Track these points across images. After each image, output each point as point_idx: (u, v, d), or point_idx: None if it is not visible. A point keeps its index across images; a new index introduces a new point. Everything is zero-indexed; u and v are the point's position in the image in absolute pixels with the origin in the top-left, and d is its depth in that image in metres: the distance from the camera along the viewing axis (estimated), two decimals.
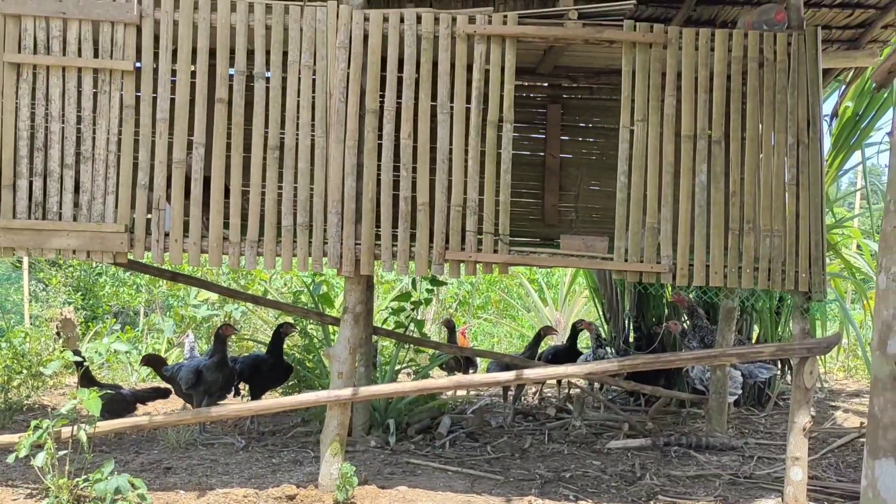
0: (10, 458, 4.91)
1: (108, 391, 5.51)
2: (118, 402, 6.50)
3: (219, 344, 6.83)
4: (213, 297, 11.10)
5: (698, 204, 5.38)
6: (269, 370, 7.24)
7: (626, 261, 5.37)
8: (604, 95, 7.64)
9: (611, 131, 7.10)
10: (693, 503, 5.48)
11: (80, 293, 13.08)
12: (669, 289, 8.77)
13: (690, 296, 8.04)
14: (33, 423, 4.91)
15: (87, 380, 6.45)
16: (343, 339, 5.40)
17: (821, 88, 5.50)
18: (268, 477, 5.70)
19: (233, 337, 8.84)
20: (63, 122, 5.23)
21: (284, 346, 7.60)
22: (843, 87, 7.26)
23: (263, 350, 7.78)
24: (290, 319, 8.63)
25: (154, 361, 7.47)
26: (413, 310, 8.47)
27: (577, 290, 14.65)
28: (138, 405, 6.98)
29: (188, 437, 6.66)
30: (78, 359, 5.15)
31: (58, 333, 10.28)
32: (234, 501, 5.09)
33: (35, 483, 5.18)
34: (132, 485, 4.59)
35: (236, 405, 5.97)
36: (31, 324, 10.83)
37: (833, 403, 8.91)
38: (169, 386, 7.29)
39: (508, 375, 5.80)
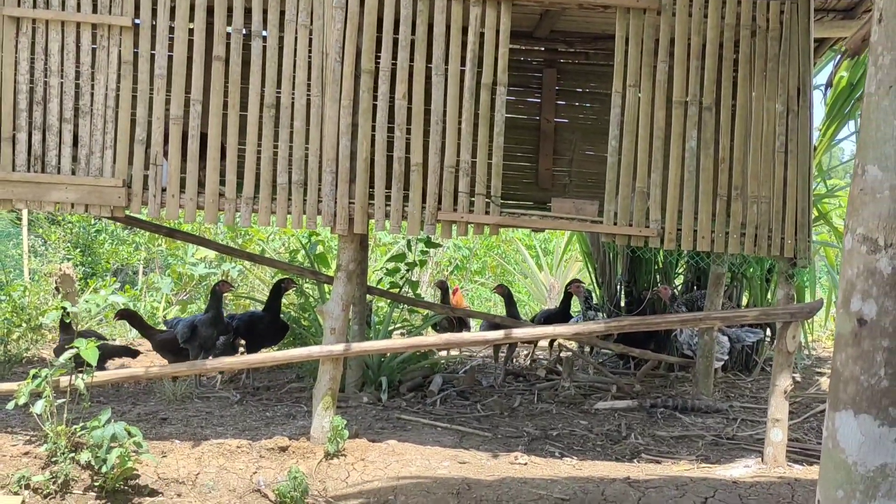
0: (10, 406, 5.04)
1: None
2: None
3: (214, 300, 6.93)
4: (211, 255, 11.20)
5: (688, 169, 5.46)
6: (265, 328, 7.33)
7: (615, 224, 5.46)
8: (600, 61, 7.68)
9: (606, 97, 7.10)
10: (675, 462, 5.63)
11: (79, 250, 13.17)
12: (662, 254, 8.87)
13: (676, 290, 8.18)
14: (32, 371, 5.04)
15: (65, 326, 6.58)
16: (336, 295, 5.50)
17: (812, 57, 5.56)
18: (261, 429, 5.84)
19: (229, 295, 8.95)
20: (62, 77, 5.29)
21: (281, 304, 7.68)
22: (838, 56, 7.27)
23: (261, 308, 7.89)
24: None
25: (129, 316, 7.41)
26: (408, 271, 8.58)
27: (574, 255, 14.76)
28: (107, 360, 7.04)
29: (184, 390, 6.79)
30: (66, 304, 5.24)
31: (56, 289, 10.38)
32: (227, 451, 5.23)
33: (34, 430, 5.31)
34: (128, 432, 4.72)
35: (231, 358, 6.10)
36: (30, 279, 10.93)
37: (819, 370, 9.05)
38: (138, 348, 7.45)
39: (497, 334, 5.92)
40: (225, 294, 7.04)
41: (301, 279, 8.43)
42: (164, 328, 7.67)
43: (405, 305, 8.59)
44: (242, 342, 7.44)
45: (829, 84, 7.67)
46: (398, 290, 8.24)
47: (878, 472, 2.39)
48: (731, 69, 5.50)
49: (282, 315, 7.69)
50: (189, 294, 11.75)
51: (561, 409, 7.03)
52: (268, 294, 7.90)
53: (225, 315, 7.19)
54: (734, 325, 7.75)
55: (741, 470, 5.40)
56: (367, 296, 7.70)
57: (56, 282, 10.38)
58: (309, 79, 5.40)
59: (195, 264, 11.30)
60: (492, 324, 7.93)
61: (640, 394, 7.53)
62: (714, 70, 5.49)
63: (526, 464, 5.42)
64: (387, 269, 9.08)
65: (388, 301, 8.91)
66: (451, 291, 8.84)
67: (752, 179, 5.47)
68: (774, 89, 5.48)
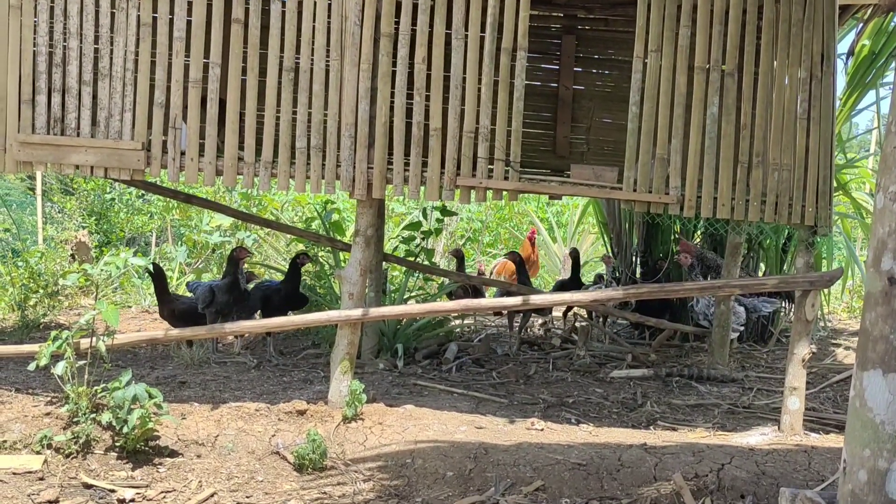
0: (31, 367, 5.07)
1: None
2: None
3: (231, 266, 6.94)
4: (226, 224, 11.21)
5: (708, 136, 5.41)
6: (281, 300, 7.29)
7: (634, 191, 5.42)
8: (619, 27, 7.61)
9: (625, 64, 7.09)
10: (691, 429, 5.64)
11: (94, 218, 13.21)
12: (678, 224, 8.83)
13: (697, 242, 8.11)
14: (53, 333, 5.07)
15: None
16: (354, 261, 5.51)
17: (836, 23, 5.49)
18: (279, 393, 5.88)
19: (246, 262, 8.96)
20: (81, 40, 5.28)
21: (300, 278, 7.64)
22: (861, 25, 7.17)
23: (276, 277, 7.88)
24: (302, 247, 8.75)
25: (158, 273, 7.16)
26: (423, 239, 8.58)
27: (587, 228, 14.71)
28: None
29: (202, 355, 6.83)
30: (87, 267, 5.24)
31: (72, 256, 10.44)
32: (246, 414, 5.27)
33: (55, 391, 5.36)
34: (149, 394, 4.75)
35: (249, 322, 6.11)
36: (45, 245, 10.97)
37: (835, 341, 9.03)
38: None
39: (515, 300, 5.91)
40: (242, 260, 7.03)
41: (317, 247, 8.44)
42: (181, 295, 7.67)
43: (420, 274, 8.59)
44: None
45: (850, 53, 7.60)
46: (414, 258, 8.23)
47: None
48: (754, 34, 5.43)
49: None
50: (203, 263, 11.78)
51: (576, 377, 7.05)
52: (282, 262, 7.91)
53: (249, 285, 7.21)
54: (752, 295, 7.73)
55: (758, 437, 5.40)
56: (384, 263, 7.70)
57: (72, 249, 10.45)
58: (328, 43, 5.37)
59: (210, 233, 11.32)
60: (506, 291, 7.93)
61: (655, 363, 7.53)
62: (737, 35, 5.42)
63: (542, 430, 5.44)
64: (402, 238, 9.08)
65: (404, 270, 8.92)
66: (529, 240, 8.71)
67: (774, 146, 5.42)
68: (798, 55, 5.42)
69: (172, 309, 7.09)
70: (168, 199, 11.69)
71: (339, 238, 8.47)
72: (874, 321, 2.46)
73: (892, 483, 2.40)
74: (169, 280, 10.92)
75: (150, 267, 7.07)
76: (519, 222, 17.19)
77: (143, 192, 13.22)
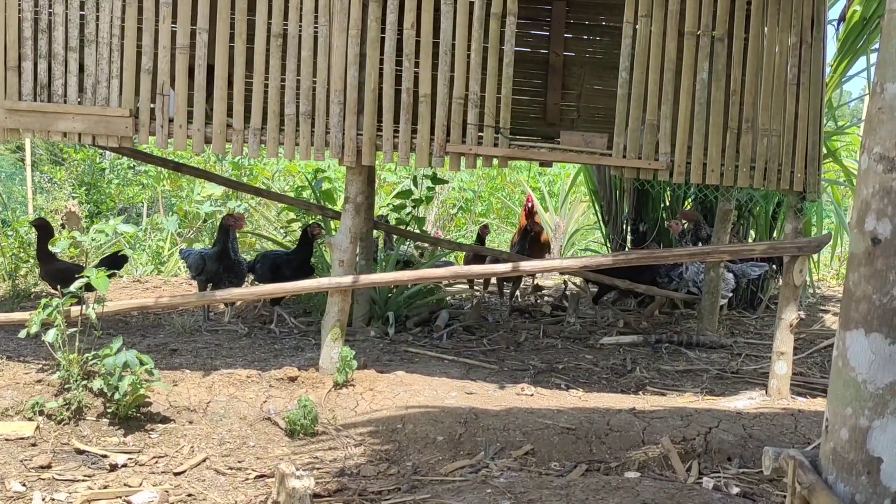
0: (22, 334, 5.08)
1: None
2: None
3: (222, 234, 6.92)
4: (217, 193, 11.19)
5: (698, 102, 5.40)
6: (293, 270, 7.14)
7: (624, 157, 5.42)
8: None
9: (616, 30, 7.04)
10: (679, 394, 5.69)
11: (84, 188, 13.16)
12: (668, 192, 8.84)
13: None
14: (43, 300, 5.07)
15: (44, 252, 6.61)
16: (344, 228, 5.51)
17: None
18: (270, 360, 5.90)
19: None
20: (66, 6, 5.23)
21: (287, 241, 7.63)
22: None
23: (268, 246, 7.86)
24: (293, 215, 8.72)
25: (44, 226, 6.97)
26: (414, 207, 8.58)
27: (579, 197, 14.72)
28: None
29: (193, 323, 6.85)
30: (76, 234, 5.21)
31: (62, 225, 10.41)
32: (237, 381, 5.29)
33: (46, 359, 5.37)
34: (140, 360, 4.76)
35: (240, 289, 6.12)
36: (35, 215, 10.93)
37: (823, 307, 9.09)
38: None
39: (505, 266, 5.93)
40: (234, 228, 6.99)
41: (307, 215, 8.43)
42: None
43: (412, 242, 8.60)
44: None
45: (841, 18, 7.57)
46: (405, 226, 8.24)
47: (887, 390, 2.42)
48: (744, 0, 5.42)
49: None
50: (194, 233, 11.77)
51: (566, 343, 7.09)
52: (273, 232, 7.88)
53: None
54: (741, 260, 7.76)
55: (745, 402, 5.46)
56: (374, 231, 7.71)
57: (62, 219, 10.42)
58: (316, 9, 5.33)
59: (200, 202, 11.29)
60: (476, 255, 7.96)
61: (645, 330, 7.57)
62: (727, 0, 5.40)
63: (532, 395, 5.49)
64: (392, 206, 9.08)
65: (395, 238, 8.93)
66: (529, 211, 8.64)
67: (763, 112, 5.42)
68: (788, 20, 5.40)
69: (50, 269, 6.78)
70: (159, 169, 11.65)
71: (329, 206, 8.45)
72: (857, 281, 2.48)
73: (873, 441, 2.43)
74: (161, 249, 10.96)
75: (38, 219, 6.74)
76: (511, 192, 17.18)
77: (134, 162, 13.20)
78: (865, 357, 2.45)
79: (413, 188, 8.88)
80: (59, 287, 5.65)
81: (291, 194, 10.72)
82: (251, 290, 6.06)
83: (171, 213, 12.34)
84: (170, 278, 9.48)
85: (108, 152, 12.70)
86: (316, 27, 5.33)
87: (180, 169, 7.68)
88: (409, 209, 8.52)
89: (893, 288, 2.40)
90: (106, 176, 13.53)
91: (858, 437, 2.46)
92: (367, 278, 5.76)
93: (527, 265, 5.93)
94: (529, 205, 8.16)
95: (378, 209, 9.63)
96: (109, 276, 4.88)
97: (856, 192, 2.55)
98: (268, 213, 11.65)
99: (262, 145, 5.37)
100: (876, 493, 2.43)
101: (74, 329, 5.03)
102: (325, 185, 9.19)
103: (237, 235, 7.10)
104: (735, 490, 4.18)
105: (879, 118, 2.45)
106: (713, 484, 4.22)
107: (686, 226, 7.89)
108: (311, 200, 8.92)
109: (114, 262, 6.75)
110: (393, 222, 8.67)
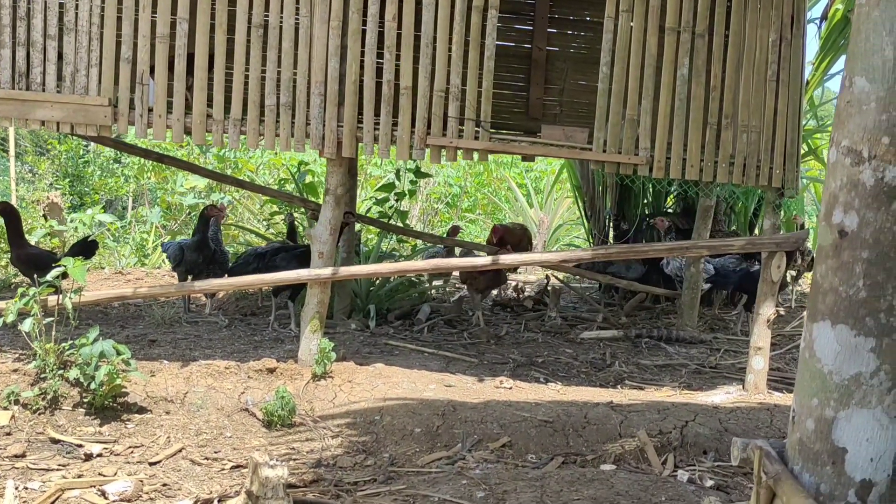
0: None
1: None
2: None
3: (201, 224, 6.90)
4: (201, 185, 11.14)
5: (678, 97, 5.42)
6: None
7: (604, 152, 5.44)
8: None
9: (599, 25, 6.97)
10: (657, 388, 5.72)
11: (68, 180, 13.08)
12: (652, 188, 8.87)
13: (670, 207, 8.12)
14: (20, 290, 5.04)
15: (15, 237, 6.49)
16: (324, 220, 5.50)
17: None
18: (249, 352, 5.89)
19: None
20: None
21: (270, 233, 7.64)
22: None
23: (251, 239, 7.85)
24: (276, 208, 8.70)
25: (9, 212, 6.79)
26: (397, 201, 8.57)
27: (564, 192, 14.74)
28: None
29: (173, 314, 6.83)
30: (54, 223, 5.17)
31: (44, 216, 10.34)
32: (216, 372, 5.28)
33: (22, 349, 5.34)
34: (117, 350, 4.73)
35: (219, 280, 6.11)
36: (18, 205, 10.86)
37: (803, 305, 9.14)
38: None
39: (485, 260, 5.94)
40: (215, 218, 6.97)
41: (291, 208, 8.41)
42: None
43: (394, 236, 8.59)
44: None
45: (823, 17, 7.62)
46: (387, 220, 8.23)
47: (852, 381, 2.44)
48: None
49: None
50: (179, 225, 11.72)
51: (547, 338, 7.11)
52: (257, 224, 7.87)
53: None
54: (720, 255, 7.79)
55: (722, 396, 5.49)
56: (356, 225, 7.69)
57: (44, 209, 10.35)
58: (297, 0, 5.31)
59: (184, 194, 11.25)
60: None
61: (625, 325, 7.60)
62: None
63: (511, 388, 5.50)
64: (375, 199, 9.06)
65: (378, 232, 8.92)
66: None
67: (743, 108, 5.44)
68: (768, 17, 5.42)
69: (22, 255, 6.63)
70: (143, 160, 11.60)
71: (312, 199, 8.42)
72: (825, 274, 2.50)
73: (839, 431, 2.45)
74: (145, 241, 10.91)
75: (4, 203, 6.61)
76: (497, 188, 17.18)
77: (118, 154, 13.12)
78: (831, 348, 2.46)
79: (396, 181, 8.84)
80: (33, 273, 5.60)
81: (275, 187, 10.71)
82: (230, 281, 6.05)
83: (155, 205, 12.29)
84: (153, 270, 9.45)
85: (91, 143, 12.62)
86: (297, 18, 5.31)
87: (163, 160, 7.64)
88: (392, 203, 8.50)
89: (859, 280, 2.42)
90: (89, 168, 13.44)
91: (824, 427, 2.48)
92: (346, 270, 5.76)
93: (506, 258, 5.94)
94: (495, 239, 7.90)
95: (360, 203, 9.63)
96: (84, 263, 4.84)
97: (825, 186, 2.57)
98: (252, 206, 11.62)
99: (243, 136, 5.35)
100: (840, 482, 2.45)
101: (52, 319, 5.00)
102: (309, 179, 9.17)
103: (220, 227, 7.09)
104: (709, 483, 4.21)
105: (848, 111, 2.47)
106: (688, 477, 4.24)
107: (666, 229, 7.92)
108: (295, 193, 8.90)
109: (84, 248, 6.67)
110: (375, 215, 8.66)
